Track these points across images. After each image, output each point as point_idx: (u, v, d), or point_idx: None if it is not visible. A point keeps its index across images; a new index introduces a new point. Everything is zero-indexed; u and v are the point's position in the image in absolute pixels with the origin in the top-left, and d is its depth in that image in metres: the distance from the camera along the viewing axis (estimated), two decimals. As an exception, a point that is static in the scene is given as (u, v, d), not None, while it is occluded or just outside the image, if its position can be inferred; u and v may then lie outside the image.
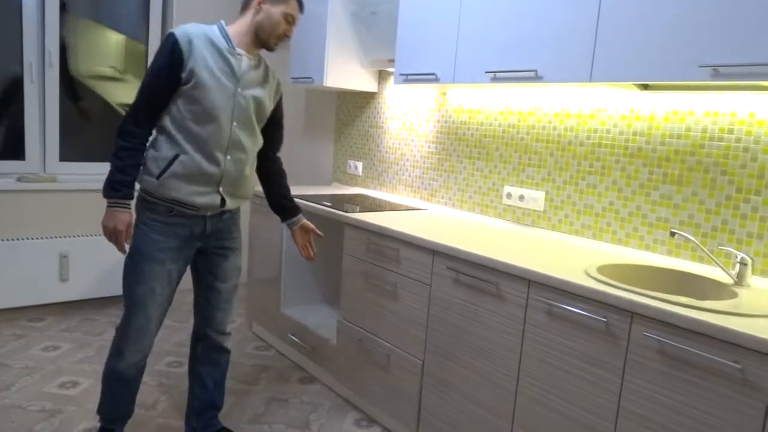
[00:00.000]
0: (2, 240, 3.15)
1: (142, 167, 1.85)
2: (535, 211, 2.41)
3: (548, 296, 1.70)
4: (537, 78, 1.99)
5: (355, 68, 3.10)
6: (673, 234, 1.76)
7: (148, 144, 1.86)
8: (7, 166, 3.31)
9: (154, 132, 1.86)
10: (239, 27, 1.88)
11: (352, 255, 2.45)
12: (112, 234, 1.84)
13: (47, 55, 3.30)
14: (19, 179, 3.23)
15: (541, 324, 1.73)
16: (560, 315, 1.67)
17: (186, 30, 1.79)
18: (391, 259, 2.25)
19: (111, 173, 1.80)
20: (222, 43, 1.83)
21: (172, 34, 1.77)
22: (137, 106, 1.80)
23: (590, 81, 1.84)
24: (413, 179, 3.01)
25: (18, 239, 3.19)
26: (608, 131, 2.15)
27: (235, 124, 1.86)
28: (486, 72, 2.16)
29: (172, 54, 1.76)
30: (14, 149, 3.36)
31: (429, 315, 2.10)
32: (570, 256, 1.97)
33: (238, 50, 1.86)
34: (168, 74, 1.77)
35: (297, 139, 3.91)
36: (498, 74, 2.12)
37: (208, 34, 1.82)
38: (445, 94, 2.80)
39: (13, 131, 3.36)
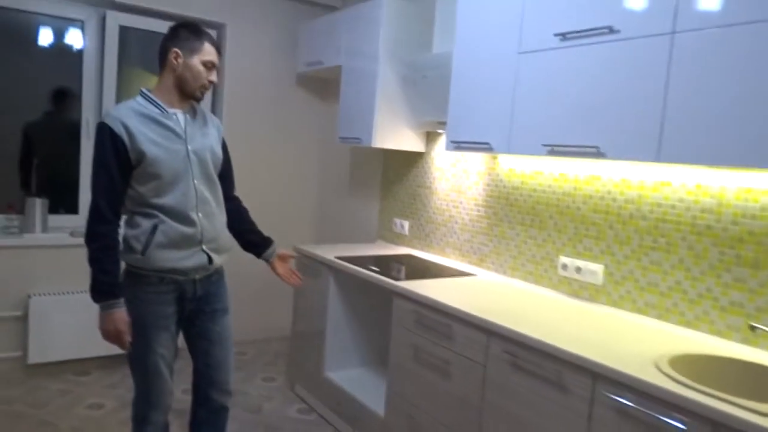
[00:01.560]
0: (55, 294, 3.20)
1: (123, 246, 1.83)
2: (593, 284, 2.30)
3: (617, 392, 1.59)
4: (599, 154, 1.92)
5: (403, 129, 3.09)
6: (753, 328, 1.64)
7: (120, 229, 1.82)
8: (61, 220, 3.39)
9: (123, 216, 1.84)
10: (163, 87, 1.87)
11: (402, 326, 2.38)
12: (113, 337, 1.80)
13: (104, 111, 3.40)
14: (71, 234, 3.29)
15: (609, 421, 1.61)
16: (631, 414, 1.56)
17: (114, 116, 1.77)
18: (443, 334, 2.17)
19: (94, 278, 1.76)
20: (152, 110, 1.83)
21: (104, 125, 1.76)
22: (98, 205, 1.76)
23: (658, 161, 1.76)
24: (462, 243, 2.94)
25: (69, 293, 3.23)
26: (673, 206, 2.05)
27: (196, 181, 1.87)
28: (543, 145, 2.10)
29: (114, 144, 1.75)
30: (68, 203, 3.45)
31: (484, 398, 2.00)
32: (636, 340, 1.86)
33: (171, 111, 1.85)
34: (118, 165, 1.76)
35: (342, 196, 3.89)
36: (556, 148, 2.05)
37: (136, 109, 1.81)
38: (495, 157, 2.75)
39: (67, 186, 3.46)
